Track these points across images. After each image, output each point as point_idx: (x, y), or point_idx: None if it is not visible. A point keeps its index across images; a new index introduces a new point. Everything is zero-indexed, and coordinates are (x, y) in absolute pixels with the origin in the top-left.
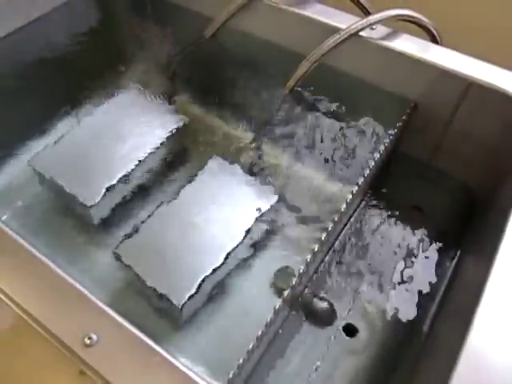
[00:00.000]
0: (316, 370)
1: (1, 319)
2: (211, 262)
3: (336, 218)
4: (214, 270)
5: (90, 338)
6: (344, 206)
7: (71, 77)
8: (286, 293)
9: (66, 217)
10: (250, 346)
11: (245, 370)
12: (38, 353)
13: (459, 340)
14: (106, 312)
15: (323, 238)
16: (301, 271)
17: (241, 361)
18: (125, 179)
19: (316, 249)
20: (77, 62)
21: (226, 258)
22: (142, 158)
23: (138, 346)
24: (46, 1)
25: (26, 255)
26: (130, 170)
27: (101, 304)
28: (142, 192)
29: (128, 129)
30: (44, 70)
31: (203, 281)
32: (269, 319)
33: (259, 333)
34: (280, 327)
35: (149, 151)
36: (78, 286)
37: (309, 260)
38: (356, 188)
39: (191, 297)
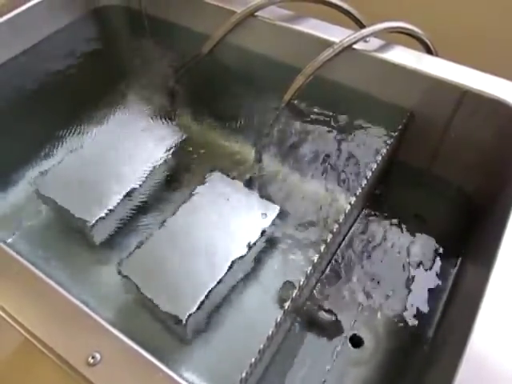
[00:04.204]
0: (322, 382)
1: (6, 340)
2: (214, 277)
3: (335, 229)
4: (217, 285)
5: (93, 357)
6: (343, 216)
7: (72, 98)
8: (286, 305)
9: (69, 236)
10: (252, 360)
11: (249, 383)
12: (43, 372)
13: (461, 345)
14: (109, 330)
15: (322, 250)
16: (301, 283)
17: (243, 375)
18: (126, 197)
19: (316, 260)
20: (77, 84)
21: (229, 272)
22: (143, 176)
23: (141, 364)
24: (46, 25)
25: (29, 276)
26: (131, 187)
27: (103, 322)
28: (144, 209)
29: (129, 147)
30: (45, 92)
31: (206, 296)
32: (270, 332)
33: (261, 346)
34: (284, 339)
35: (150, 168)
36: (80, 304)
37: (308, 272)
38: (354, 198)
39: (194, 312)
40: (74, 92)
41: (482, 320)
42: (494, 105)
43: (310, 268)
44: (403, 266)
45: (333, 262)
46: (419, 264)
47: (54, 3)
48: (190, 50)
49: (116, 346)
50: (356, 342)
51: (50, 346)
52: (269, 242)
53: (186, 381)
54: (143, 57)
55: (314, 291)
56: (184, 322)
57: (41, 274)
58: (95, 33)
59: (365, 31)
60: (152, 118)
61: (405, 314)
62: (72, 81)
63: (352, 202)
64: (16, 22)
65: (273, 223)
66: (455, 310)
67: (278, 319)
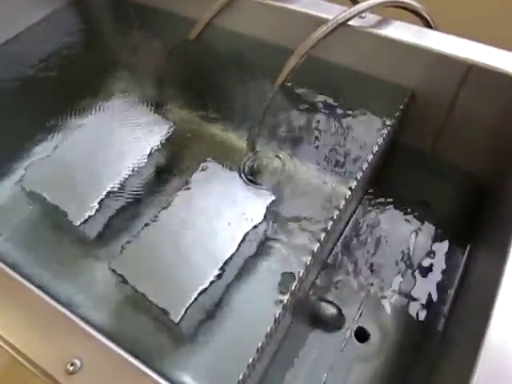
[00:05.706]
0: (327, 379)
1: None
2: (210, 271)
3: (335, 216)
4: (214, 279)
5: (72, 365)
6: (343, 202)
7: (57, 90)
8: (285, 299)
9: (58, 233)
10: (251, 360)
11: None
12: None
13: (478, 337)
14: (90, 334)
15: (323, 238)
16: (301, 275)
17: (240, 377)
18: (116, 191)
19: (316, 250)
20: (62, 75)
21: (226, 265)
22: (132, 168)
23: (125, 369)
24: (27, 16)
25: (4, 278)
26: (121, 181)
27: (83, 325)
28: (135, 202)
29: (117, 139)
30: (28, 85)
31: (202, 291)
32: (269, 329)
33: (259, 344)
34: (286, 336)
35: (140, 160)
36: (58, 306)
37: (308, 263)
38: (355, 183)
39: (188, 310)
40: (59, 84)
41: (499, 310)
42: (501, 79)
43: (309, 258)
44: (408, 255)
45: (334, 251)
46: (425, 252)
47: None
48: (177, 35)
49: (98, 351)
50: (361, 336)
51: (24, 353)
52: (266, 233)
53: None
54: (130, 45)
55: (316, 283)
56: (179, 318)
57: (16, 275)
58: (79, 22)
59: (360, 6)
60: (140, 108)
61: (412, 305)
62: (57, 72)
63: (353, 187)
64: None
65: (269, 212)
66: (467, 300)
67: (277, 314)
